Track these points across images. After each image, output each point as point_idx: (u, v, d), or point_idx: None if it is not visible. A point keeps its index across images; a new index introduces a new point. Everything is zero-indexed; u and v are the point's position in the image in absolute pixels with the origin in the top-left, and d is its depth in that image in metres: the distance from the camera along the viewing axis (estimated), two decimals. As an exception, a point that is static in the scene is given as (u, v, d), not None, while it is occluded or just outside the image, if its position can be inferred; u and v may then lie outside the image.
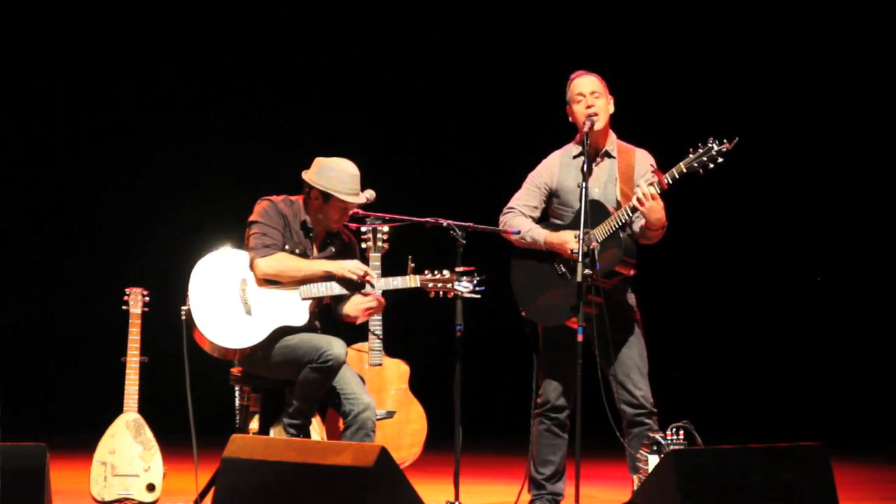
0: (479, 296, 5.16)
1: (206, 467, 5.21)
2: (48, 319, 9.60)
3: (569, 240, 5.20)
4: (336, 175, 5.25)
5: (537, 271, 5.36)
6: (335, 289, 5.26)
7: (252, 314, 5.20)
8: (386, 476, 3.94)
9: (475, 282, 5.17)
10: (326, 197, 5.27)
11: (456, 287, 5.16)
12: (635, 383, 5.29)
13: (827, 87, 9.54)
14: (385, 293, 5.38)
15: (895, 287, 9.75)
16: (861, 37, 9.41)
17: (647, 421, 5.26)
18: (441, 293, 5.24)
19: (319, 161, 5.33)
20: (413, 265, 5.27)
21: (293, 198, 5.40)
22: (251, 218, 5.33)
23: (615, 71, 5.55)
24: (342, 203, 5.27)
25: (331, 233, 5.44)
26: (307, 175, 5.31)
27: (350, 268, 5.24)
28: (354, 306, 5.39)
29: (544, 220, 5.48)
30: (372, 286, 5.29)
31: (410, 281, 5.27)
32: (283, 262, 5.23)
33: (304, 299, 5.24)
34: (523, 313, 5.41)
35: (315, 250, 5.39)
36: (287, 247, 5.29)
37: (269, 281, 5.25)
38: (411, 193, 8.68)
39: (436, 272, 5.26)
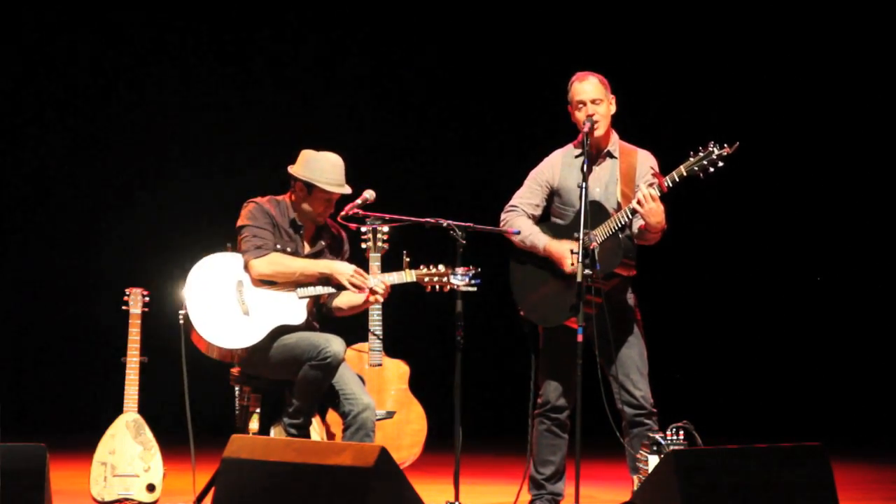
0: (475, 288, 5.16)
1: (206, 467, 5.21)
2: (48, 319, 9.60)
3: (568, 255, 5.19)
4: (319, 166, 5.28)
5: (536, 271, 5.36)
6: (332, 287, 5.28)
7: (250, 315, 5.20)
8: (386, 476, 3.94)
9: (471, 274, 5.17)
10: (310, 188, 5.30)
11: (452, 280, 5.17)
12: (635, 384, 5.29)
13: (827, 88, 9.53)
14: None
15: (895, 287, 9.75)
16: (861, 37, 9.40)
17: (647, 421, 5.26)
18: (437, 287, 5.25)
19: (304, 154, 5.36)
20: (408, 260, 5.28)
21: (279, 197, 5.42)
22: (239, 222, 5.34)
23: (617, 72, 5.54)
24: (325, 193, 5.29)
25: (320, 227, 5.45)
26: (292, 168, 5.33)
27: (349, 277, 5.24)
28: (347, 300, 5.40)
29: (545, 219, 5.48)
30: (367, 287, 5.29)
31: (406, 276, 5.28)
32: (278, 263, 5.24)
33: (301, 298, 5.25)
34: (522, 313, 5.42)
35: (306, 247, 5.40)
36: (278, 246, 5.29)
37: (265, 281, 5.25)
38: (411, 193, 8.69)
39: (431, 266, 5.27)
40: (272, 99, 9.73)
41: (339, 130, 9.22)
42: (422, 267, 5.28)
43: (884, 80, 9.42)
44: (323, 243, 5.43)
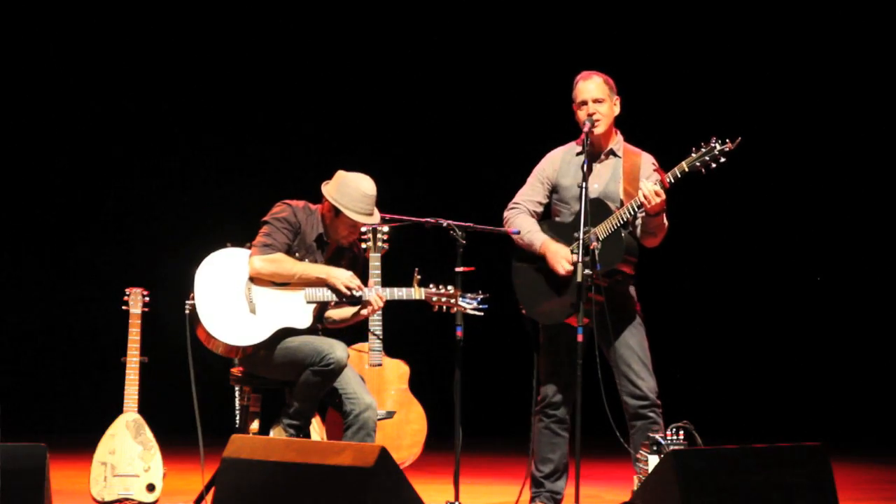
0: (482, 313, 5.18)
1: (206, 467, 5.21)
2: (48, 319, 9.59)
3: (561, 258, 5.20)
4: (350, 192, 5.24)
5: (538, 270, 5.36)
6: (337, 296, 5.27)
7: (256, 313, 5.20)
8: (386, 476, 3.94)
9: (479, 299, 5.19)
10: (337, 212, 5.28)
11: (460, 303, 5.17)
12: (637, 374, 5.26)
13: (827, 87, 9.53)
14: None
15: (895, 287, 9.75)
16: (861, 37, 9.40)
17: (651, 414, 5.23)
18: (444, 308, 5.26)
19: (340, 175, 5.31)
20: (419, 277, 5.28)
21: (313, 206, 5.40)
22: (265, 218, 5.34)
23: (619, 70, 5.55)
24: (351, 221, 5.28)
25: (342, 247, 5.45)
26: (325, 188, 5.31)
27: (344, 282, 5.24)
28: (339, 312, 5.43)
29: (547, 217, 5.48)
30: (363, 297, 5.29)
31: (415, 293, 5.29)
32: (277, 263, 5.23)
33: (308, 303, 5.24)
34: (523, 311, 5.42)
35: (324, 262, 5.39)
36: (297, 254, 5.29)
37: (275, 283, 5.25)
38: (411, 193, 8.68)
39: (441, 287, 5.27)
40: (274, 98, 9.72)
41: (339, 130, 9.23)
42: (431, 286, 5.28)
43: (884, 79, 9.42)
44: (342, 262, 5.41)
